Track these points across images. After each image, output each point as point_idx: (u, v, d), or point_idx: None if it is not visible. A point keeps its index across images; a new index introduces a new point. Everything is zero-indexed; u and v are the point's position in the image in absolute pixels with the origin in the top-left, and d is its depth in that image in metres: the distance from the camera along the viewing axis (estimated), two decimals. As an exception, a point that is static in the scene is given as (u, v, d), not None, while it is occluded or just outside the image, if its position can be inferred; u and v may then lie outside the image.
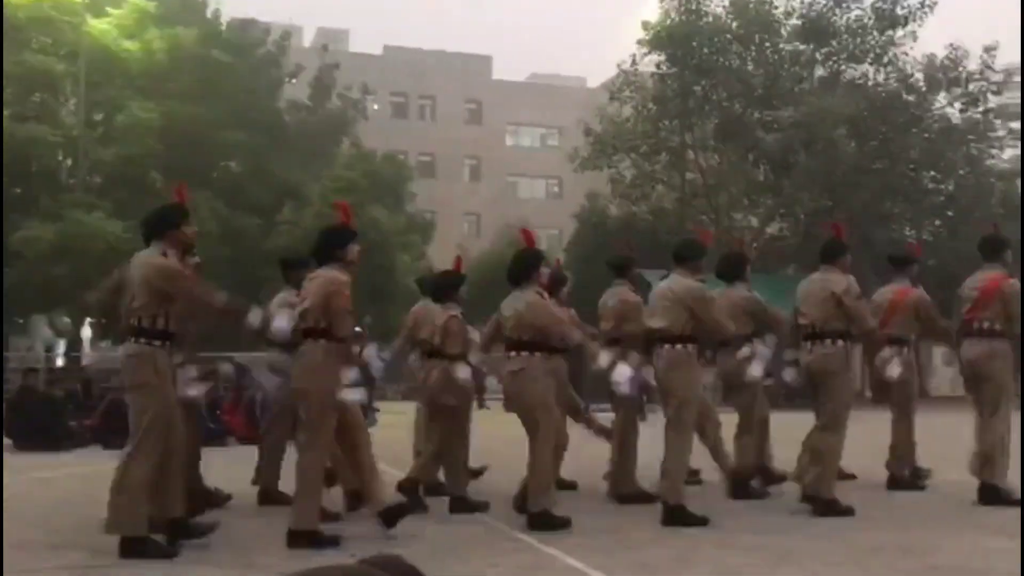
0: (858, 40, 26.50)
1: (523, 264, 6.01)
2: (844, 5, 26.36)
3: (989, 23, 31.19)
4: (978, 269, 7.00)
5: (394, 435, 10.60)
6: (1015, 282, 6.76)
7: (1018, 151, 26.66)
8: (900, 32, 26.22)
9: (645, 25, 27.18)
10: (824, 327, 6.33)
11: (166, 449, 5.05)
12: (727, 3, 26.68)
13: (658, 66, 27.33)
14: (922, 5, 25.70)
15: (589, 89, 42.68)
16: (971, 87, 26.16)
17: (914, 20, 25.92)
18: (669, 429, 6.02)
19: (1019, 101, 25.93)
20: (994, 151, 26.82)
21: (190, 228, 5.36)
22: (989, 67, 25.97)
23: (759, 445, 7.35)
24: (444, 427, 6.86)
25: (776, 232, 28.02)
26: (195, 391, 5.97)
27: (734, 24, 26.64)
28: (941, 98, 26.64)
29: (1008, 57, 25.87)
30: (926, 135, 25.98)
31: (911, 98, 26.13)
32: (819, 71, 27.22)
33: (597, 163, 28.22)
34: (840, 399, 6.38)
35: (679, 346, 6.01)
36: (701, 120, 27.25)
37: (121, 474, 4.95)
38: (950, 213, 26.56)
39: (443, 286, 7.11)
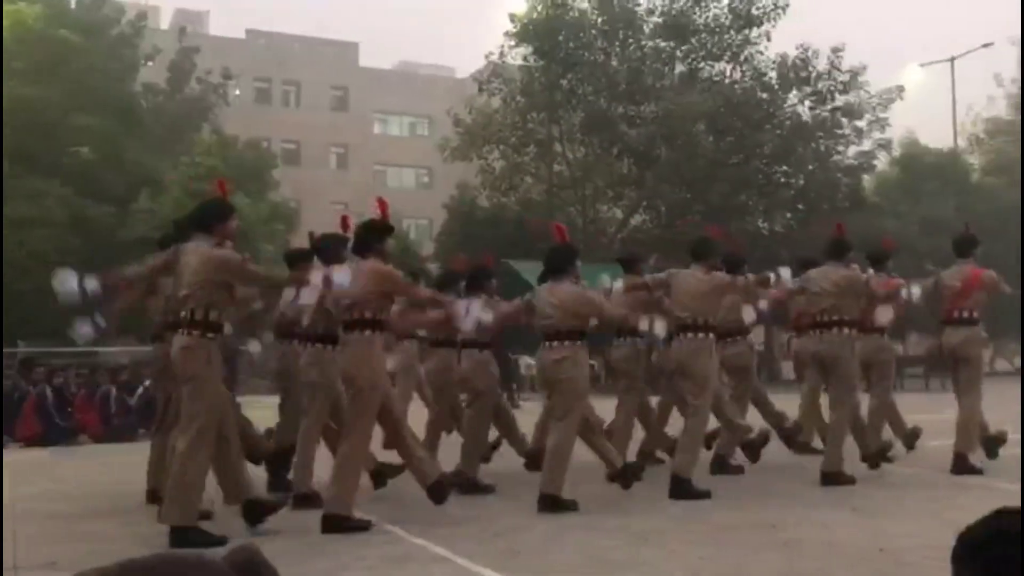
0: (716, 38, 27.46)
1: (561, 258, 6.39)
2: (703, 4, 27.23)
3: (836, 25, 32.95)
4: (953, 264, 7.82)
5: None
6: (990, 271, 7.73)
7: (862, 148, 28.27)
8: (755, 32, 27.31)
9: (513, 17, 27.38)
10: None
11: (221, 437, 5.27)
12: (592, -2, 27.17)
13: (525, 59, 27.59)
14: (775, 6, 26.85)
15: (458, 79, 42.63)
16: (820, 86, 27.50)
17: (768, 20, 27.05)
18: (688, 410, 6.72)
19: (863, 100, 27.48)
20: (840, 148, 28.28)
21: (235, 222, 5.56)
22: (836, 67, 27.35)
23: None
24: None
25: (640, 224, 28.77)
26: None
27: (599, 20, 27.15)
28: (792, 96, 27.87)
29: (853, 58, 27.43)
30: (778, 131, 27.17)
31: (765, 96, 27.26)
32: (679, 68, 28.05)
33: (467, 154, 28.27)
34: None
35: (700, 335, 6.65)
36: (568, 113, 27.66)
37: (179, 465, 5.10)
38: (801, 206, 27.86)
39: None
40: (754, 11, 26.93)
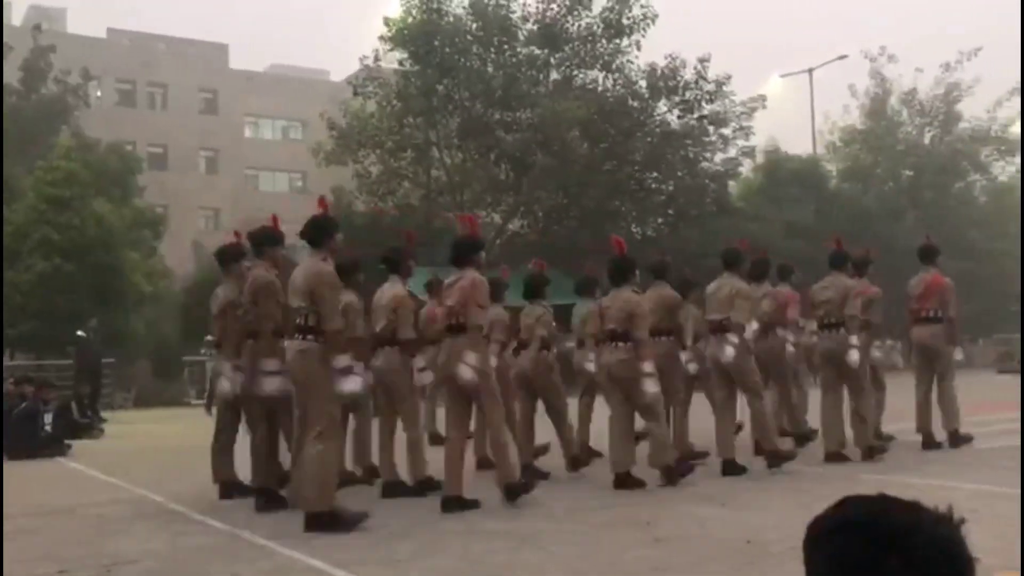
0: (588, 47, 27.97)
1: (622, 268, 7.21)
2: (575, 13, 27.68)
3: (702, 37, 34.13)
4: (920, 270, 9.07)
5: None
6: (948, 280, 9.03)
7: (728, 155, 29.31)
8: (626, 41, 27.93)
9: (387, 22, 27.18)
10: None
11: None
12: (467, 4, 27.23)
13: (401, 63, 27.42)
14: (645, 17, 27.53)
15: (332, 83, 42.02)
16: (687, 95, 28.36)
17: (638, 31, 27.72)
18: (749, 400, 7.74)
19: (728, 109, 28.50)
20: (707, 155, 29.22)
21: (340, 236, 6.07)
22: (703, 77, 28.26)
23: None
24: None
25: (518, 229, 29.01)
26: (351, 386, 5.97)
27: (474, 26, 27.24)
28: (662, 105, 28.64)
29: (719, 68, 28.43)
30: (649, 139, 27.88)
31: (636, 104, 27.91)
32: (554, 75, 28.43)
33: (342, 158, 27.86)
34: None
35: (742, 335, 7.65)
36: (444, 118, 27.63)
37: (312, 458, 5.55)
38: (671, 211, 28.68)
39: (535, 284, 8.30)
40: (624, 21, 27.54)
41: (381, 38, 27.26)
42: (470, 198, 28.19)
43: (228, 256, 7.32)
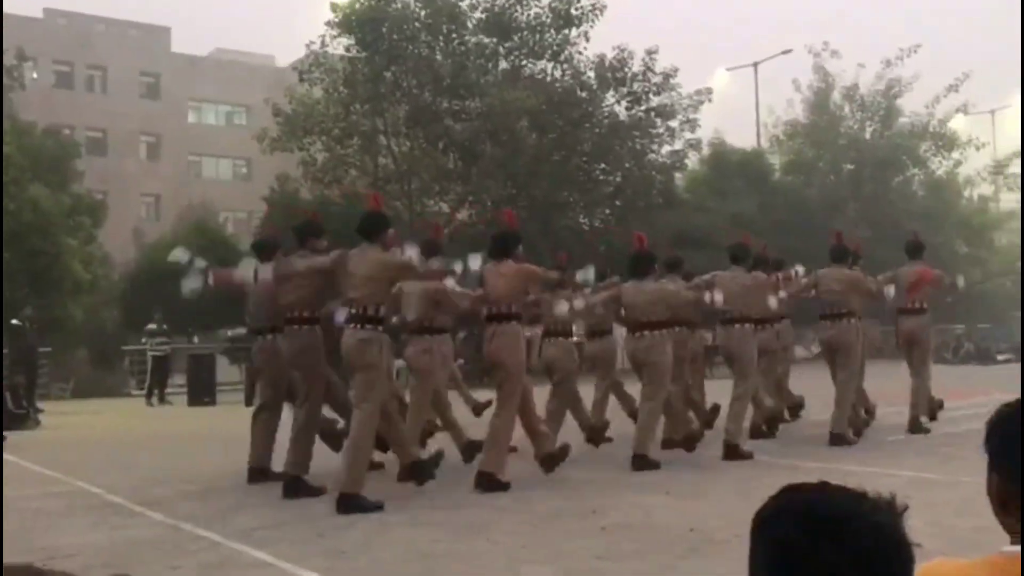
0: (537, 37, 27.91)
1: (645, 261, 7.85)
2: (524, 2, 27.61)
3: (650, 29, 34.36)
4: (905, 263, 9.66)
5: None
6: (938, 271, 9.84)
7: (674, 147, 29.52)
8: (574, 32, 27.93)
9: (334, 7, 26.82)
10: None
11: (385, 413, 6.25)
12: (415, -9, 27.00)
13: (348, 49, 27.10)
14: (593, 7, 27.56)
15: (278, 68, 41.39)
16: (635, 87, 28.50)
17: (587, 21, 27.74)
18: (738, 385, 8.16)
19: (675, 101, 28.73)
20: (655, 147, 29.39)
21: (392, 229, 6.54)
22: (650, 69, 28.39)
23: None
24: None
25: (466, 218, 28.93)
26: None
27: (422, 13, 27.01)
28: (610, 96, 28.70)
29: (666, 61, 28.61)
30: (597, 130, 27.94)
31: (584, 95, 27.95)
32: (503, 65, 28.33)
33: (287, 145, 27.44)
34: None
35: (747, 325, 8.21)
36: (392, 106, 27.37)
37: (354, 441, 5.98)
38: (618, 202, 28.82)
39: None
40: (573, 11, 27.56)
41: (328, 24, 26.90)
42: (418, 187, 28.01)
43: (266, 247, 7.81)
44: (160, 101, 43.02)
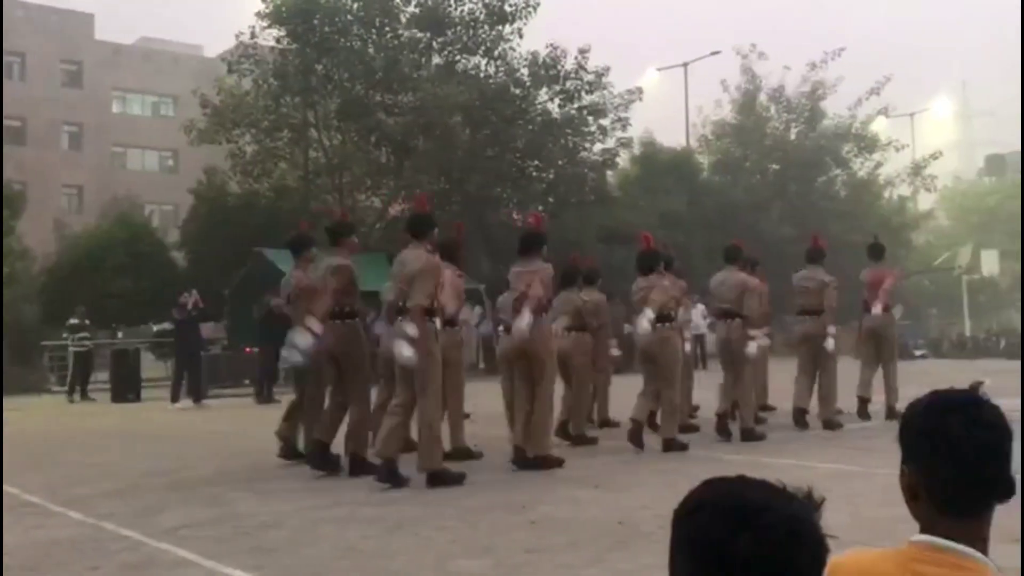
0: (471, 32, 27.87)
1: (651, 259, 8.37)
2: (458, -3, 27.55)
3: (582, 27, 34.58)
4: (867, 266, 10.38)
5: None
6: (897, 270, 10.34)
7: (607, 145, 29.79)
8: (508, 28, 27.97)
9: (264, -3, 26.38)
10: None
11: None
12: (348, -17, 26.70)
13: (278, 40, 26.69)
14: (527, 4, 27.62)
15: (206, 58, 40.61)
16: (568, 85, 28.66)
17: (520, 18, 27.79)
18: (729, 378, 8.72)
19: (607, 100, 28.97)
20: (587, 144, 29.61)
21: (436, 231, 6.97)
22: (583, 67, 28.58)
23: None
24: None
25: (399, 214, 28.75)
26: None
27: (355, 5, 26.76)
28: (543, 93, 28.81)
29: (598, 59, 28.78)
30: (530, 127, 28.04)
31: (518, 91, 28.01)
32: (436, 59, 28.21)
33: (215, 137, 26.92)
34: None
35: (739, 320, 8.69)
36: (323, 99, 27.05)
37: (426, 425, 6.38)
38: (551, 199, 28.98)
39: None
40: (507, 8, 27.58)
41: (258, 14, 26.46)
42: (350, 181, 27.76)
43: (300, 243, 8.03)
44: (83, 90, 41.85)
